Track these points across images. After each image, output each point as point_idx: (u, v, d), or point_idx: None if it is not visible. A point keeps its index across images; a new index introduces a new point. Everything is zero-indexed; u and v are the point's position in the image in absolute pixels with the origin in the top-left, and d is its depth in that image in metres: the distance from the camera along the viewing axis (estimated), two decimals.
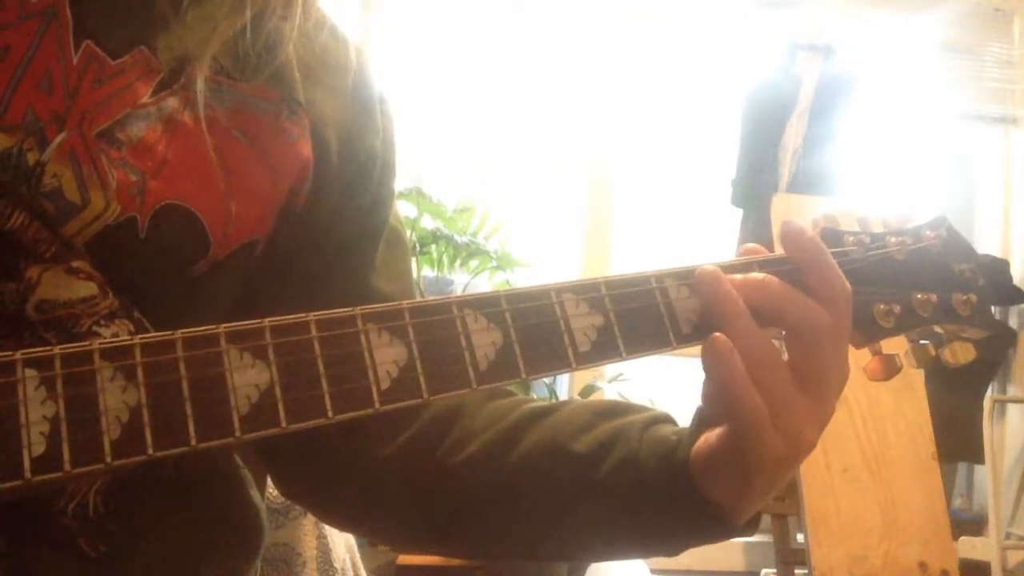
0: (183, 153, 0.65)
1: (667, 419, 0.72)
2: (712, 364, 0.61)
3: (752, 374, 0.60)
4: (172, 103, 0.66)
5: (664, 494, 0.67)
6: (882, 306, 0.68)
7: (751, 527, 0.68)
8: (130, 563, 0.65)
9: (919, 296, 0.69)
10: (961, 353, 0.71)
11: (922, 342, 0.71)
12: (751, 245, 0.67)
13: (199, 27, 0.69)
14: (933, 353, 0.71)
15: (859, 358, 0.69)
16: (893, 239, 0.71)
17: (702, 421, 0.66)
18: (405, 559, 2.45)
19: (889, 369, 0.69)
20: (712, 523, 0.66)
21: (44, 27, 0.63)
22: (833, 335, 0.62)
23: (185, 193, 0.65)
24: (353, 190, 0.77)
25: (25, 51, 0.61)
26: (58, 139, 0.61)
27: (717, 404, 0.62)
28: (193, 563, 0.71)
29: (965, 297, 0.71)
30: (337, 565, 1.50)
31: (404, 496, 0.76)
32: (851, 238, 0.70)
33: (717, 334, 0.61)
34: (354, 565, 1.55)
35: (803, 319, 0.62)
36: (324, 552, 1.50)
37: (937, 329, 0.71)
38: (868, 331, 0.68)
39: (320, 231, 0.74)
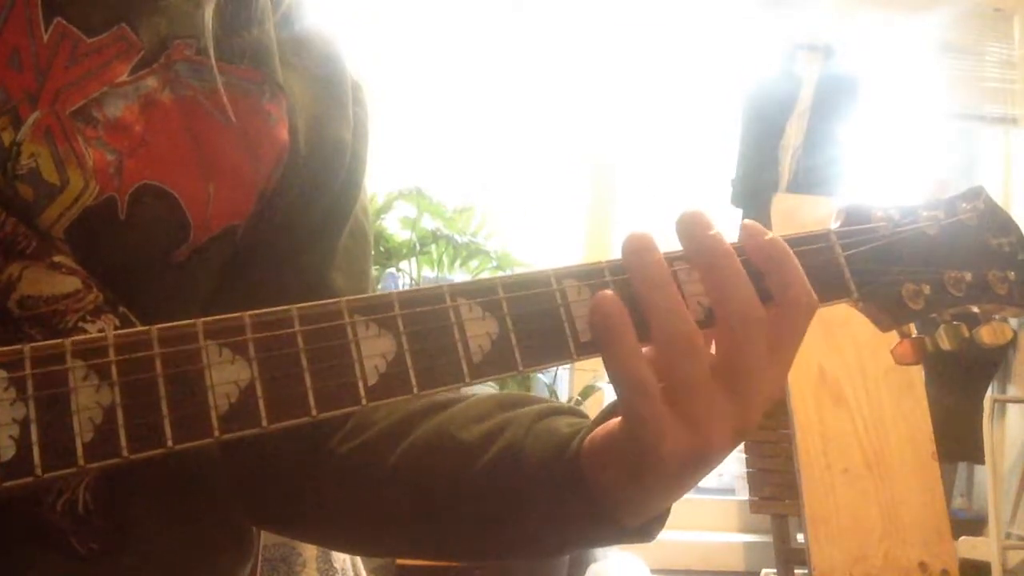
0: (160, 133, 0.64)
1: (570, 411, 0.68)
2: (597, 324, 0.55)
3: (660, 352, 0.55)
4: (151, 82, 0.65)
5: (548, 486, 0.62)
6: (911, 286, 0.64)
7: (646, 533, 0.63)
8: (121, 561, 0.64)
9: (951, 274, 0.65)
10: (998, 333, 0.66)
11: (954, 322, 0.66)
12: (749, 222, 0.60)
13: (182, 5, 0.68)
14: (967, 334, 0.66)
15: (887, 341, 0.66)
16: (925, 213, 0.67)
17: (610, 412, 0.62)
18: (405, 559, 2.44)
19: (919, 352, 0.66)
20: (600, 520, 0.61)
21: (11, 4, 0.62)
22: (776, 341, 0.57)
23: (162, 173, 0.64)
24: (318, 180, 0.75)
25: None
26: (32, 117, 0.60)
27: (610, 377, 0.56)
28: (185, 561, 0.70)
29: (1003, 274, 0.67)
30: (337, 565, 1.50)
31: (294, 483, 0.74)
32: (880, 213, 0.66)
33: (606, 291, 0.56)
34: (354, 565, 1.55)
35: (741, 311, 0.57)
36: (324, 552, 1.50)
37: (973, 309, 0.67)
38: (895, 313, 0.64)
39: (282, 221, 0.73)
